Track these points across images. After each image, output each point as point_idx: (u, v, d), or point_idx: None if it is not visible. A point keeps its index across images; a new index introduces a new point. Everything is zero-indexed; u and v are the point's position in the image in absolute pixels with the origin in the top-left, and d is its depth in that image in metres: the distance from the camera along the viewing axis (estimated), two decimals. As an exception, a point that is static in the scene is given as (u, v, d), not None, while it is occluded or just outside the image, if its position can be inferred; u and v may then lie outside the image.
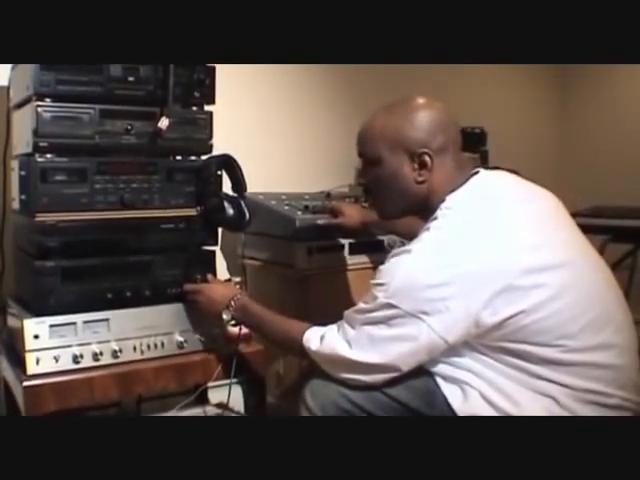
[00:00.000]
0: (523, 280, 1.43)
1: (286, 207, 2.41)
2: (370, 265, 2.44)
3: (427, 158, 1.58)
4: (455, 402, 1.53)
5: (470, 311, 1.43)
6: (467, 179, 1.58)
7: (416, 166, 1.60)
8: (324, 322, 2.03)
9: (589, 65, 4.00)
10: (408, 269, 1.48)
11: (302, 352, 1.66)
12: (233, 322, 1.87)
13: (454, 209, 1.53)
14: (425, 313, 1.45)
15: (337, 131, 3.24)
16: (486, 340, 1.48)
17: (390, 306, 1.48)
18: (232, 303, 1.83)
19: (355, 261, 2.40)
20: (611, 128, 4.16)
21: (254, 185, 2.13)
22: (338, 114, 3.26)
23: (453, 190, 1.56)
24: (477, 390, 1.51)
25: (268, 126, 2.99)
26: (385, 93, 3.29)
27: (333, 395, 1.61)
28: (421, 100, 1.63)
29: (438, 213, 1.54)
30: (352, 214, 2.32)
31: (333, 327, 1.63)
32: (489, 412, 1.49)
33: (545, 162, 4.32)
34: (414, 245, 1.52)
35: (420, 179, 1.60)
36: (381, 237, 2.46)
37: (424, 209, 1.63)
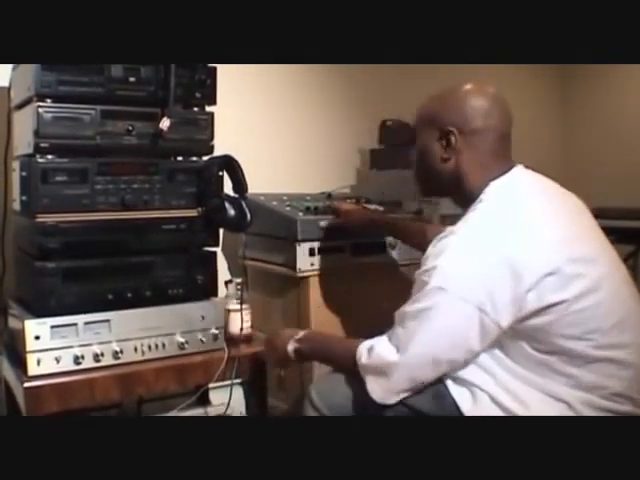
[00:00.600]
0: (569, 267, 1.44)
1: (287, 208, 2.41)
2: (371, 266, 2.44)
3: (452, 137, 1.61)
4: (464, 405, 1.53)
5: (517, 293, 1.42)
6: (508, 170, 1.61)
7: (444, 143, 1.63)
8: (324, 323, 2.03)
9: (590, 65, 3.99)
10: (456, 251, 1.48)
11: (356, 371, 1.60)
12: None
13: (500, 195, 1.55)
14: (477, 296, 1.43)
15: (339, 132, 3.24)
16: (519, 327, 1.46)
17: (441, 290, 1.45)
18: (296, 336, 1.79)
19: (357, 262, 2.40)
20: (612, 128, 4.15)
21: (255, 186, 2.13)
22: (340, 115, 3.26)
23: (493, 178, 1.58)
24: (487, 393, 1.51)
25: (269, 127, 2.99)
26: (387, 93, 3.32)
27: (340, 398, 1.61)
28: (472, 85, 1.65)
29: (483, 197, 1.56)
30: (353, 215, 2.32)
31: (383, 336, 1.58)
32: (498, 414, 1.49)
33: (546, 162, 4.28)
34: (460, 226, 1.52)
35: (445, 156, 1.63)
36: (382, 239, 2.46)
37: (456, 192, 1.66)
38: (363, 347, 1.60)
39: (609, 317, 1.48)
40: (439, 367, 1.51)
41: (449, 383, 1.56)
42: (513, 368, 1.50)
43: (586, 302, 1.45)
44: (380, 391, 1.54)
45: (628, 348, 1.50)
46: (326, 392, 1.66)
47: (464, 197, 1.63)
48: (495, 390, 1.50)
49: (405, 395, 1.53)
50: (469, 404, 1.53)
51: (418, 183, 1.77)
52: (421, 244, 2.16)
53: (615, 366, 1.48)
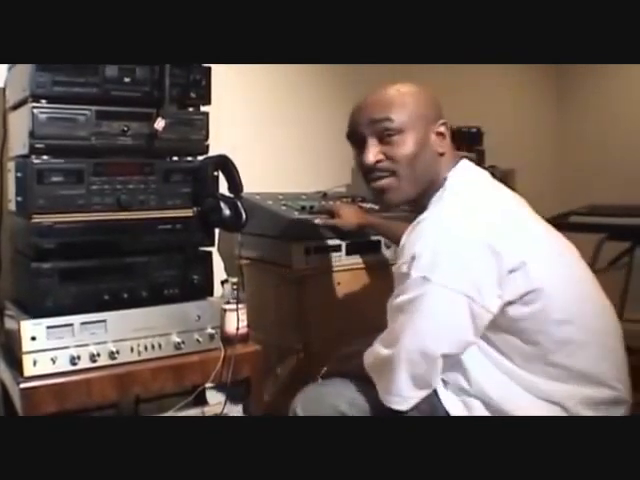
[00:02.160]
0: (549, 248, 1.49)
1: (283, 207, 2.41)
2: (367, 266, 2.44)
3: (444, 128, 1.57)
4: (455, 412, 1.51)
5: (500, 274, 1.38)
6: (458, 161, 1.59)
7: (435, 137, 1.56)
8: (319, 322, 2.03)
9: (585, 65, 4.00)
10: (433, 236, 1.41)
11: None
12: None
13: (463, 183, 1.54)
14: (461, 283, 1.38)
15: (334, 131, 3.22)
16: (509, 317, 1.43)
17: (424, 280, 1.38)
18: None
19: (352, 261, 2.40)
20: (607, 127, 4.17)
21: (250, 185, 2.13)
22: (335, 114, 3.24)
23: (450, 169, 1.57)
24: (479, 400, 1.49)
25: (264, 126, 2.99)
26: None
27: (329, 412, 1.58)
28: (409, 83, 1.62)
29: (446, 186, 1.53)
30: (349, 215, 2.32)
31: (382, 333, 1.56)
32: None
33: (541, 161, 4.33)
34: (432, 212, 1.48)
35: (441, 150, 1.56)
36: (377, 238, 2.46)
37: (428, 188, 1.56)
38: (366, 353, 1.59)
39: (586, 301, 1.51)
40: (434, 361, 1.43)
41: (440, 390, 1.52)
42: (502, 364, 1.48)
43: (568, 284, 1.47)
44: (388, 395, 1.49)
45: (611, 333, 1.53)
46: (314, 405, 1.63)
47: (429, 193, 1.55)
48: (487, 395, 1.48)
49: (414, 400, 1.47)
50: (460, 411, 1.51)
51: (402, 185, 1.56)
52: None
53: (601, 351, 1.48)
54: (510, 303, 1.42)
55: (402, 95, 1.56)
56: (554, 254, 1.51)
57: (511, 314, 1.43)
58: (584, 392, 1.46)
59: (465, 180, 1.55)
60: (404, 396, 1.47)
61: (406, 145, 1.53)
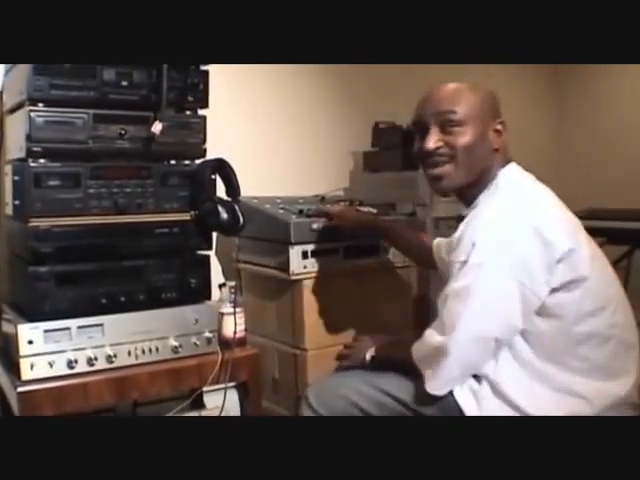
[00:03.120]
0: (587, 246, 1.56)
1: (281, 211, 2.41)
2: (365, 269, 2.44)
3: (501, 127, 1.67)
4: (469, 409, 1.54)
5: (549, 262, 1.47)
6: (508, 162, 1.69)
7: (493, 133, 1.66)
8: (317, 326, 2.03)
9: (585, 65, 4.01)
10: (488, 226, 1.51)
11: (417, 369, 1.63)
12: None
13: (514, 181, 1.63)
14: (514, 269, 1.46)
15: (332, 134, 3.24)
16: (544, 305, 1.50)
17: (480, 266, 1.48)
18: (377, 345, 1.89)
19: (350, 264, 2.40)
20: (607, 129, 4.16)
21: (248, 189, 2.13)
22: (333, 117, 3.26)
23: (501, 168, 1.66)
24: (490, 382, 1.54)
25: (262, 130, 2.99)
26: (381, 96, 3.32)
27: (341, 402, 1.62)
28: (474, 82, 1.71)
29: (497, 182, 1.63)
30: (348, 217, 2.32)
31: (431, 325, 1.62)
32: (504, 409, 1.51)
33: (540, 163, 4.28)
34: (487, 206, 1.58)
35: (496, 146, 1.66)
36: (375, 241, 2.46)
37: (477, 182, 1.67)
38: (415, 345, 1.63)
39: (613, 296, 1.59)
40: (487, 346, 1.51)
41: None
42: (529, 361, 1.53)
43: (598, 280, 1.54)
44: (433, 381, 1.55)
45: (630, 328, 1.60)
46: (325, 395, 1.67)
47: (477, 187, 1.66)
48: (500, 381, 1.53)
49: (455, 385, 1.54)
50: (473, 408, 1.54)
51: (456, 173, 1.66)
52: (410, 249, 2.18)
53: (622, 346, 1.55)
54: (554, 290, 1.49)
55: (466, 91, 1.67)
56: (593, 247, 1.60)
57: (551, 301, 1.49)
58: (602, 387, 1.52)
59: (515, 178, 1.65)
60: (449, 381, 1.54)
61: (466, 136, 1.64)
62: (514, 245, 1.47)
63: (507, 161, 1.68)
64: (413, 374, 1.63)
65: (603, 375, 1.52)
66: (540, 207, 1.55)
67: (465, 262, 1.50)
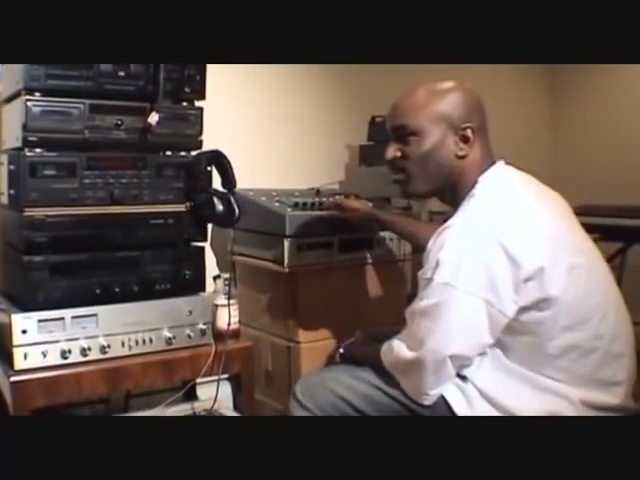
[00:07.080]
0: (567, 259, 1.49)
1: (276, 203, 2.41)
2: (359, 262, 2.45)
3: (470, 132, 1.61)
4: (459, 409, 1.54)
5: (517, 281, 1.44)
6: (492, 164, 1.64)
7: (458, 140, 1.62)
8: (311, 319, 2.03)
9: (581, 65, 4.00)
10: (455, 243, 1.48)
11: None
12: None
13: (492, 189, 1.58)
14: (481, 288, 1.45)
15: (328, 128, 3.24)
16: (523, 320, 1.48)
17: (447, 286, 1.46)
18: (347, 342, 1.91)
19: (345, 258, 2.40)
20: (602, 128, 4.17)
21: (244, 181, 2.13)
22: (329, 111, 3.26)
23: (481, 173, 1.61)
24: (477, 389, 1.53)
25: (258, 122, 2.98)
26: (377, 90, 3.31)
27: (328, 396, 1.62)
28: (458, 82, 1.66)
29: (474, 192, 1.58)
30: (358, 209, 2.30)
31: (398, 336, 1.63)
32: (491, 411, 1.51)
33: (536, 161, 4.29)
34: (456, 220, 1.54)
35: (461, 153, 1.62)
36: (370, 234, 2.47)
37: (452, 189, 1.64)
38: (383, 349, 1.65)
39: (598, 309, 1.53)
40: (457, 362, 1.51)
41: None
42: (508, 366, 1.52)
43: (576, 294, 1.49)
44: (412, 390, 1.56)
45: (619, 338, 1.56)
46: (312, 388, 1.67)
47: (457, 194, 1.63)
48: (486, 386, 1.52)
49: (438, 394, 1.54)
50: (463, 406, 1.54)
51: (417, 183, 1.66)
52: (420, 243, 2.17)
53: (606, 357, 1.52)
54: (524, 309, 1.47)
55: (425, 97, 1.63)
56: (574, 260, 1.52)
57: (524, 319, 1.48)
58: (587, 395, 1.50)
59: (492, 185, 1.59)
60: (432, 394, 1.54)
61: (420, 146, 1.62)
62: (479, 264, 1.45)
63: (490, 163, 1.64)
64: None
65: (589, 386, 1.51)
66: (510, 221, 1.50)
67: (431, 279, 1.49)
